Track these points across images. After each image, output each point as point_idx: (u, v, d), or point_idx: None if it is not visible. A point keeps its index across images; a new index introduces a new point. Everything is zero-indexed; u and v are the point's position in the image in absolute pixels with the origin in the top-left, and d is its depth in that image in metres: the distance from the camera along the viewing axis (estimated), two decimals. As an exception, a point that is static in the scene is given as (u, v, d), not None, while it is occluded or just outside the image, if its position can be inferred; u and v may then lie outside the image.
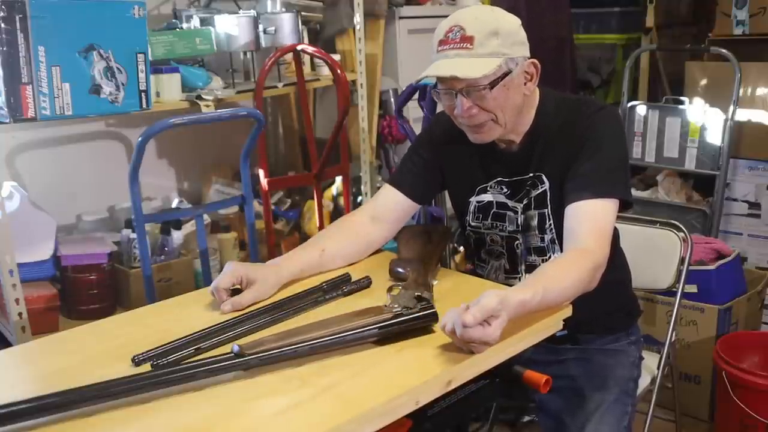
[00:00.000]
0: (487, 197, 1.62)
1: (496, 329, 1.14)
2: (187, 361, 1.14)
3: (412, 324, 1.22)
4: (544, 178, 1.54)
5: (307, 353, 1.14)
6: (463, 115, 1.45)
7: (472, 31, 1.40)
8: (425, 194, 1.70)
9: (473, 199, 1.63)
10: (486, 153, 1.59)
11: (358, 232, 1.61)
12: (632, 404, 1.60)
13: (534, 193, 1.56)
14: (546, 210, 1.55)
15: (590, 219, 1.42)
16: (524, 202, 1.57)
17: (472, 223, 1.65)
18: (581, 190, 1.44)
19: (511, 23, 1.45)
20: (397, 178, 1.68)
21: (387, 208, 1.64)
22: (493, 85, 1.42)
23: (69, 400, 0.99)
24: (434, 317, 1.23)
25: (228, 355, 1.10)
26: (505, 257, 1.63)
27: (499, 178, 1.60)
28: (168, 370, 1.07)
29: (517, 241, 1.60)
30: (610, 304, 1.63)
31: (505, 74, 1.43)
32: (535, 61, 1.49)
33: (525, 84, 1.49)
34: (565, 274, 1.32)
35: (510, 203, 1.59)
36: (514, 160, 1.57)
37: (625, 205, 1.50)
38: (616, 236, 1.65)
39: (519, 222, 1.58)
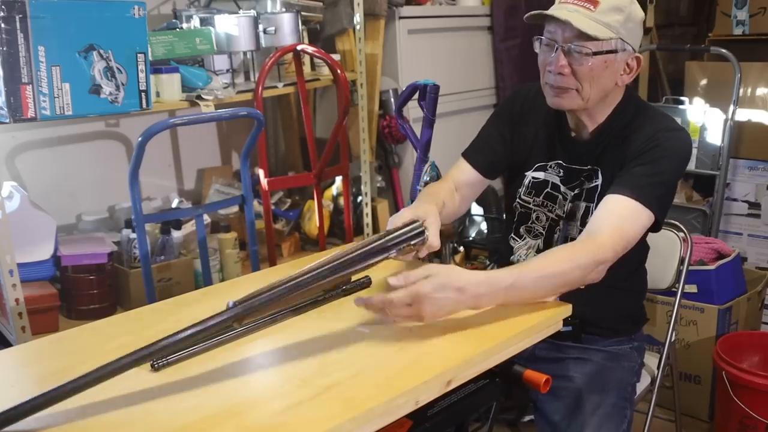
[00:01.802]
0: (542, 175, 1.63)
1: (422, 309, 1.17)
2: (185, 350, 1.15)
3: (399, 243, 1.28)
4: (600, 173, 1.55)
5: (296, 289, 1.14)
6: (555, 70, 1.45)
7: None
8: (494, 169, 1.71)
9: (529, 174, 1.65)
10: (555, 134, 1.61)
11: (452, 198, 1.64)
12: (630, 410, 1.59)
13: (587, 185, 1.57)
14: (593, 205, 1.55)
15: (618, 216, 1.40)
16: (575, 191, 1.58)
17: (524, 197, 1.66)
18: (622, 186, 1.44)
19: (637, 12, 1.46)
20: (471, 151, 1.71)
21: (463, 178, 1.68)
22: (596, 53, 1.42)
23: (72, 387, 0.99)
24: (423, 235, 1.31)
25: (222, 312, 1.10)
26: (542, 238, 1.64)
27: (559, 161, 1.61)
28: (165, 337, 1.06)
29: (558, 227, 1.61)
30: (620, 309, 1.64)
31: (611, 51, 1.43)
32: (641, 57, 1.50)
33: (621, 75, 1.49)
34: (556, 262, 1.30)
35: (562, 188, 1.60)
36: (579, 149, 1.58)
37: (655, 226, 1.48)
38: (645, 248, 1.66)
39: (566, 209, 1.59)
